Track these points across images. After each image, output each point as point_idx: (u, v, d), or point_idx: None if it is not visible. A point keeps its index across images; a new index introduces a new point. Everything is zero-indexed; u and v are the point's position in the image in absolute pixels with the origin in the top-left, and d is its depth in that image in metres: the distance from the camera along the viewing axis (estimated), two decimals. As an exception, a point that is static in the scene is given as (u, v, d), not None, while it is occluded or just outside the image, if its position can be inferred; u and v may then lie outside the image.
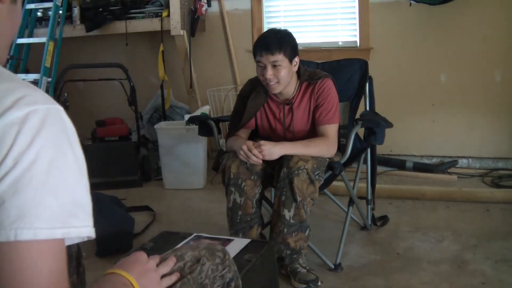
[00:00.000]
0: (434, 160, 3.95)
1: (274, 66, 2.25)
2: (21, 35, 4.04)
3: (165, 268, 1.06)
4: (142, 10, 4.03)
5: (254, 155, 2.16)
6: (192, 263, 1.10)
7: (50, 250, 0.71)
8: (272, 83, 2.28)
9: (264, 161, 2.25)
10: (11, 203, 0.68)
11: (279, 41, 2.24)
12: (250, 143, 2.21)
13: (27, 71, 4.13)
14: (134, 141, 3.97)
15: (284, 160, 2.20)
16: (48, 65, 3.77)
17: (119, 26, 4.01)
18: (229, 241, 1.72)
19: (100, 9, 4.02)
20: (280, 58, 2.23)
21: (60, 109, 0.76)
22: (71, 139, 0.76)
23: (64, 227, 0.72)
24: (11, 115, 0.71)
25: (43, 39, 3.82)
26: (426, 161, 3.95)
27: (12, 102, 0.72)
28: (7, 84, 0.75)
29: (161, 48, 4.00)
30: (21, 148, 0.70)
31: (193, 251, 1.14)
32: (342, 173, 2.35)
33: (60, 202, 0.71)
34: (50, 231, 0.70)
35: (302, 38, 3.91)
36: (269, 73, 2.25)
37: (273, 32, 2.32)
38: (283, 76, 2.27)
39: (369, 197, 2.74)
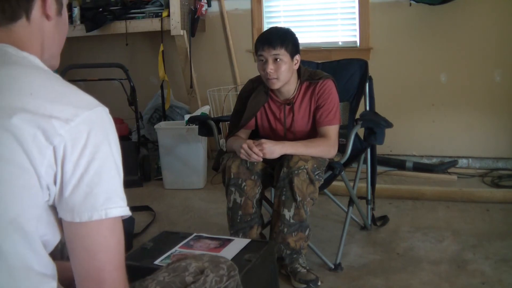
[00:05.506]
0: (434, 160, 3.95)
1: (275, 60, 2.26)
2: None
3: None
4: (142, 10, 4.02)
5: (254, 153, 2.16)
6: (195, 274, 1.12)
7: (120, 224, 0.89)
8: (272, 78, 2.29)
9: (264, 161, 2.25)
10: (99, 189, 0.84)
11: (281, 37, 2.28)
12: (250, 141, 2.21)
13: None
14: (134, 141, 3.96)
15: (284, 159, 2.20)
16: (48, 65, 3.77)
17: (119, 26, 4.01)
18: (229, 241, 1.72)
19: (100, 9, 4.01)
20: (281, 52, 2.25)
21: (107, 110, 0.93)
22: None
23: (126, 205, 0.89)
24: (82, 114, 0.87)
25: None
26: (426, 161, 3.95)
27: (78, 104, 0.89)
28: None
29: (161, 48, 4.00)
30: (96, 143, 0.85)
31: (197, 262, 1.15)
32: (342, 173, 2.35)
33: (121, 184, 0.90)
34: (126, 208, 0.89)
35: (302, 38, 3.84)
36: (270, 67, 2.26)
37: (276, 29, 2.36)
38: (283, 72, 2.27)
39: (369, 197, 2.74)
